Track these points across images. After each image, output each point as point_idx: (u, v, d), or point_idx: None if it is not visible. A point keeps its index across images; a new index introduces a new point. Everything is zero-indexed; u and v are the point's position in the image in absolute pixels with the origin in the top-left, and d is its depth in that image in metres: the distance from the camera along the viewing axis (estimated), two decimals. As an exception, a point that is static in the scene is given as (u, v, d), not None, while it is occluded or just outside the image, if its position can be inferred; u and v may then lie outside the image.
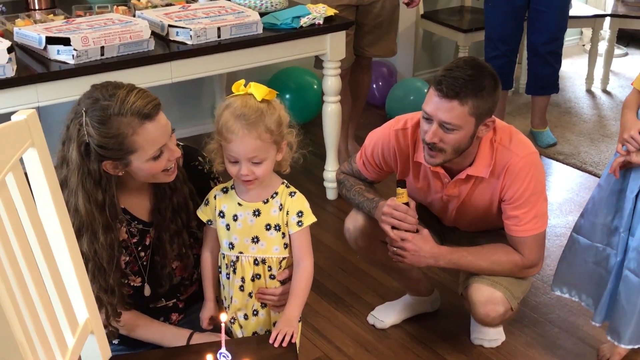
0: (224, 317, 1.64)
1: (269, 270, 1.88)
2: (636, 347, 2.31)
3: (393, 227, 2.22)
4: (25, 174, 1.48)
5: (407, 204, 2.21)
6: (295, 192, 1.87)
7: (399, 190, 2.20)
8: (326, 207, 3.44)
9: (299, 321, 1.91)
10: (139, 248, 1.93)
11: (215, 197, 1.89)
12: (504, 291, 2.28)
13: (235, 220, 1.85)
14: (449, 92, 2.04)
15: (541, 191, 2.24)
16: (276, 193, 1.86)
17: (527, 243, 2.25)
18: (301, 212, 1.85)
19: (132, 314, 1.93)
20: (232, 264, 1.88)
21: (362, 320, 2.69)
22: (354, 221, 2.45)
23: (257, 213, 1.85)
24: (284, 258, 1.89)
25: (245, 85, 1.79)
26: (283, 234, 1.86)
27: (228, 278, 1.89)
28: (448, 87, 2.04)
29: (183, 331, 1.92)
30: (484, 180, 2.23)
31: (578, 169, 3.84)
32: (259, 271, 1.87)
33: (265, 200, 1.85)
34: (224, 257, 1.89)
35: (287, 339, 1.76)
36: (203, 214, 1.91)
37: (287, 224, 1.85)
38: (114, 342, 1.99)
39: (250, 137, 1.74)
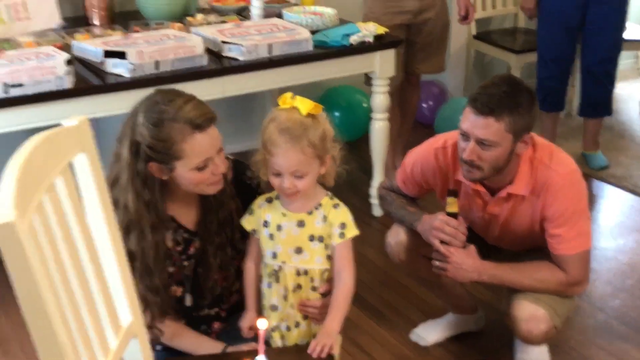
0: (262, 324, 1.65)
1: (310, 282, 1.88)
2: None
3: (442, 242, 2.21)
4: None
5: (457, 214, 2.20)
6: (339, 204, 1.87)
7: (450, 199, 2.19)
8: (371, 223, 3.44)
9: (339, 334, 1.90)
10: (183, 257, 1.95)
11: (260, 207, 1.90)
12: (548, 309, 2.23)
13: (279, 230, 1.87)
14: (484, 108, 2.04)
15: (583, 209, 2.20)
16: (320, 204, 1.86)
17: (571, 261, 2.21)
18: (344, 224, 1.85)
19: (173, 322, 1.95)
20: (274, 272, 1.89)
21: (404, 336, 2.67)
22: (395, 236, 2.44)
23: (301, 224, 1.85)
24: (326, 269, 1.89)
25: (292, 98, 1.80)
26: (326, 245, 1.86)
27: (269, 287, 1.90)
28: (483, 104, 2.04)
29: (218, 344, 1.94)
30: (525, 199, 2.21)
31: (630, 192, 3.75)
32: (300, 282, 1.88)
33: (310, 212, 1.86)
34: (266, 267, 1.90)
35: (326, 350, 1.75)
36: (247, 223, 1.92)
37: (330, 235, 1.85)
38: (157, 348, 2.01)
39: (293, 151, 1.75)
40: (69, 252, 1.42)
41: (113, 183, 1.80)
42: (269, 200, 1.90)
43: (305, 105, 1.78)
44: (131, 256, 1.69)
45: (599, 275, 3.03)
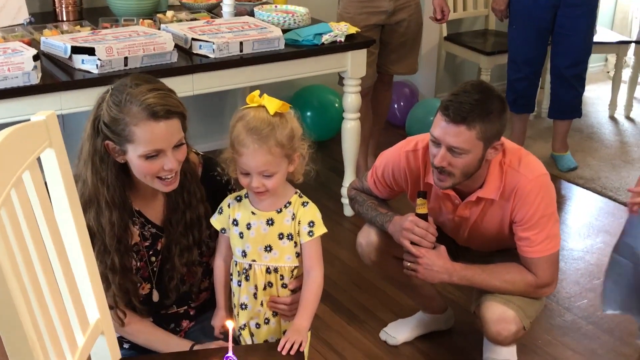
0: (230, 324, 1.65)
1: (280, 279, 1.89)
2: None
3: (412, 243, 2.23)
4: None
5: (426, 215, 2.22)
6: (307, 202, 1.88)
7: (420, 200, 2.21)
8: (343, 223, 3.45)
9: (309, 331, 1.91)
10: (150, 252, 1.95)
11: (229, 206, 1.91)
12: (517, 310, 2.26)
13: (248, 228, 1.87)
14: (456, 117, 2.05)
15: (552, 213, 2.23)
16: (289, 203, 1.87)
17: (540, 264, 2.23)
18: (312, 222, 1.86)
19: (138, 319, 1.95)
20: (244, 271, 1.89)
21: (375, 336, 2.69)
22: (366, 236, 2.46)
23: (270, 222, 1.86)
24: (296, 267, 1.90)
25: (260, 96, 1.81)
26: (295, 243, 1.87)
27: (239, 285, 1.91)
28: (455, 112, 2.05)
29: (185, 342, 1.94)
30: (494, 203, 2.24)
31: (598, 193, 3.81)
32: (271, 279, 1.89)
33: (279, 210, 1.87)
34: (236, 265, 1.91)
35: (296, 347, 1.76)
36: (217, 222, 1.92)
37: (298, 233, 1.86)
38: (124, 346, 2.01)
39: (261, 152, 1.75)
40: (36, 247, 1.41)
41: (78, 155, 1.82)
42: (239, 199, 1.91)
43: (272, 104, 1.77)
44: (91, 233, 1.68)
45: (566, 275, 3.07)
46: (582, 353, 2.61)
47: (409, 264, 2.25)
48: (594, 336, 2.69)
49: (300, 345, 1.77)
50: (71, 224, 1.58)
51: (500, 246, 2.39)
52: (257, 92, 1.81)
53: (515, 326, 2.27)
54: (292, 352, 1.75)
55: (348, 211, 3.51)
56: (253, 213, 1.87)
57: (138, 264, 1.94)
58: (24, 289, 1.33)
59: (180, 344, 1.93)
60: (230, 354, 1.58)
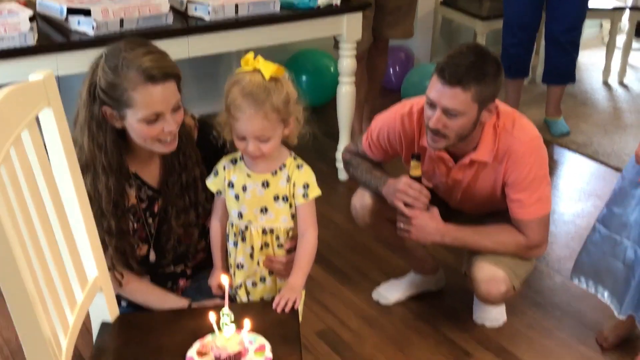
0: (225, 280, 1.69)
1: (277, 240, 1.92)
2: None
3: (406, 204, 2.26)
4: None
5: (420, 177, 2.25)
6: (302, 165, 1.90)
7: (413, 163, 2.24)
8: (337, 188, 3.49)
9: (303, 290, 1.95)
10: (147, 214, 1.98)
11: (224, 168, 1.93)
12: (507, 270, 2.31)
13: (244, 190, 1.89)
14: (451, 78, 2.07)
15: (544, 175, 2.26)
16: (284, 165, 1.89)
17: (531, 225, 2.27)
18: (307, 184, 1.88)
19: (135, 278, 1.98)
20: (240, 232, 1.92)
21: (367, 296, 2.73)
22: (360, 199, 2.49)
23: (265, 184, 1.88)
24: (291, 228, 1.92)
25: (254, 59, 1.80)
26: (290, 204, 1.90)
27: (235, 246, 1.94)
28: (451, 74, 2.07)
29: (183, 300, 1.97)
30: (487, 165, 2.26)
31: (590, 158, 3.85)
32: (267, 240, 1.92)
33: (274, 172, 1.89)
34: (232, 226, 1.94)
35: (290, 305, 1.80)
36: (212, 184, 1.94)
37: (293, 195, 1.89)
38: (122, 304, 2.05)
39: (257, 117, 1.76)
40: (36, 205, 1.44)
41: (74, 122, 1.82)
42: (234, 162, 1.93)
43: (268, 68, 1.77)
44: (89, 197, 1.71)
45: (557, 238, 3.12)
46: (570, 314, 2.66)
47: (402, 225, 2.29)
48: (582, 297, 2.73)
49: (295, 302, 1.80)
50: (69, 182, 1.61)
51: (492, 209, 2.43)
52: (252, 54, 1.81)
53: (505, 286, 2.32)
54: (286, 310, 1.79)
55: (343, 175, 3.53)
56: (248, 175, 1.89)
57: (135, 225, 1.96)
58: (24, 246, 1.36)
59: (178, 302, 1.96)
60: (226, 308, 1.62)
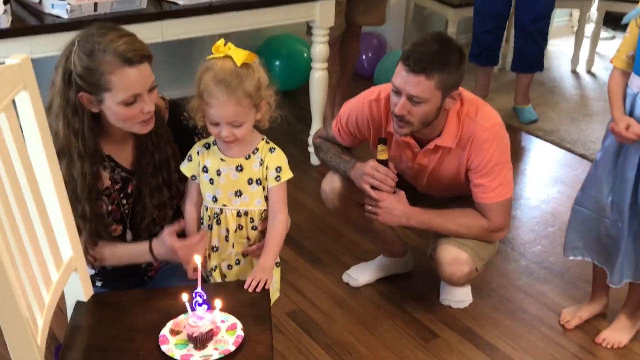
0: (198, 259, 1.73)
1: (251, 222, 1.95)
2: None
3: (373, 187, 2.31)
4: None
5: (387, 161, 2.30)
6: (274, 148, 1.94)
7: (380, 147, 2.29)
8: (309, 172, 3.52)
9: (278, 266, 2.01)
10: (121, 195, 2.00)
11: (198, 153, 1.95)
12: (470, 252, 2.37)
13: (218, 175, 1.92)
14: (416, 67, 2.11)
15: (506, 161, 2.32)
16: (257, 149, 1.92)
17: (493, 209, 2.34)
18: (280, 167, 1.92)
19: (99, 245, 1.97)
20: (215, 215, 1.95)
21: (337, 278, 2.78)
22: (330, 183, 2.54)
23: (239, 168, 1.92)
24: (265, 210, 1.96)
25: (225, 45, 1.82)
26: (263, 187, 1.94)
27: (210, 229, 1.97)
28: (415, 62, 2.11)
29: (143, 244, 1.98)
30: (451, 151, 2.32)
31: (557, 145, 3.92)
32: (241, 222, 1.95)
33: (247, 156, 1.92)
34: (207, 210, 1.96)
35: (261, 285, 1.83)
36: (187, 170, 1.96)
37: (266, 178, 1.93)
38: (97, 284, 2.08)
39: (230, 103, 1.78)
40: (13, 186, 1.46)
41: (48, 108, 1.83)
42: (207, 146, 1.95)
43: (239, 54, 1.79)
44: (64, 182, 1.72)
45: (522, 223, 3.20)
46: (533, 296, 2.73)
47: (370, 207, 2.34)
48: (545, 280, 2.81)
49: (266, 283, 1.84)
50: (45, 165, 1.63)
51: (457, 192, 2.48)
52: (222, 40, 1.83)
53: (468, 267, 2.38)
54: (258, 290, 1.83)
55: (314, 160, 3.57)
56: (222, 160, 1.92)
57: (110, 207, 1.98)
58: (1, 227, 1.38)
59: (141, 250, 1.97)
60: (199, 289, 1.66)
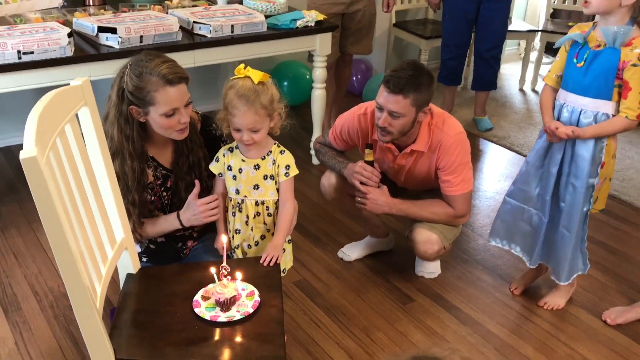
0: (224, 239, 1.74)
1: (266, 210, 1.95)
2: (569, 281, 2.36)
3: (361, 183, 2.31)
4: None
5: (372, 162, 2.30)
6: (284, 151, 1.95)
7: (367, 151, 2.30)
8: (311, 170, 3.51)
9: (290, 242, 2.01)
10: (162, 189, 2.00)
11: (223, 155, 1.96)
12: (439, 234, 2.37)
13: (240, 172, 1.93)
14: (395, 88, 2.12)
15: (467, 162, 2.32)
16: (270, 151, 1.93)
17: (457, 200, 2.34)
18: (288, 165, 1.93)
19: (146, 222, 1.98)
20: (237, 205, 1.95)
21: (334, 254, 2.77)
22: (327, 179, 2.53)
23: (256, 167, 1.92)
24: (277, 200, 1.96)
25: (245, 68, 1.84)
26: (276, 182, 1.94)
27: (234, 216, 1.97)
28: (394, 85, 2.12)
29: (173, 214, 1.98)
30: (423, 154, 2.32)
31: (507, 149, 3.91)
32: (259, 210, 1.95)
33: (263, 157, 1.92)
34: (231, 200, 1.97)
35: (274, 261, 1.84)
36: (215, 168, 1.97)
37: (277, 174, 1.93)
38: (143, 259, 2.08)
39: (249, 113, 1.80)
40: (76, 181, 1.47)
41: (105, 118, 1.85)
42: (231, 150, 1.96)
43: (256, 75, 1.82)
44: (117, 177, 1.74)
45: (480, 210, 3.19)
46: (489, 268, 2.73)
47: (359, 199, 2.34)
48: (499, 255, 2.81)
49: (277, 258, 1.84)
50: (102, 164, 1.64)
51: (428, 187, 2.48)
52: (243, 65, 1.85)
53: (437, 246, 2.38)
54: (271, 264, 1.83)
55: (315, 160, 3.56)
56: (243, 160, 1.92)
57: (152, 198, 1.99)
58: (68, 214, 1.39)
59: (171, 220, 1.97)
60: (224, 263, 1.67)
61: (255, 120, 1.82)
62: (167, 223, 1.99)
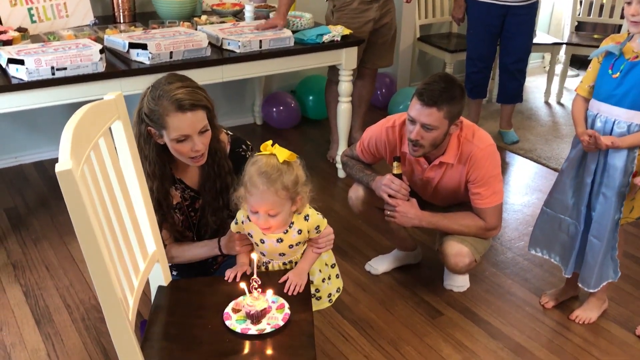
0: (254, 256, 1.70)
1: (295, 264, 1.82)
2: (597, 289, 2.30)
3: (390, 196, 2.28)
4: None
5: (401, 174, 2.27)
6: (308, 215, 1.76)
7: (396, 163, 2.27)
8: (337, 183, 3.50)
9: (333, 267, 1.92)
10: (190, 209, 1.98)
11: (242, 222, 1.79)
12: (470, 247, 2.33)
13: (262, 242, 1.78)
14: (428, 101, 2.10)
15: (497, 174, 2.28)
16: (293, 222, 1.76)
17: (488, 212, 2.30)
18: (318, 226, 1.78)
19: (172, 247, 1.95)
20: (264, 263, 1.83)
21: (361, 267, 2.75)
22: (355, 192, 2.51)
23: (279, 240, 1.76)
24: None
25: (272, 146, 1.70)
26: (304, 243, 1.81)
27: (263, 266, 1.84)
28: (428, 97, 2.09)
29: (212, 242, 1.93)
30: (453, 166, 2.29)
31: (534, 161, 3.86)
32: (287, 267, 1.83)
33: (285, 231, 1.75)
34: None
35: (297, 289, 1.72)
36: (235, 228, 1.82)
37: (308, 232, 1.78)
38: (173, 273, 2.07)
39: (268, 193, 1.63)
40: (109, 194, 1.47)
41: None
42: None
43: (282, 153, 1.66)
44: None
45: (508, 223, 3.14)
46: (518, 281, 2.68)
47: (389, 212, 2.31)
48: (528, 269, 2.76)
49: (301, 287, 1.72)
50: (135, 178, 1.64)
51: (454, 201, 2.45)
52: (270, 142, 1.71)
53: (468, 259, 2.34)
54: (295, 293, 1.71)
55: (341, 174, 3.54)
56: (263, 234, 1.76)
57: (181, 218, 1.97)
58: (102, 228, 1.39)
59: (210, 246, 1.93)
60: (255, 276, 1.65)
61: (274, 202, 1.64)
62: (201, 250, 1.94)
